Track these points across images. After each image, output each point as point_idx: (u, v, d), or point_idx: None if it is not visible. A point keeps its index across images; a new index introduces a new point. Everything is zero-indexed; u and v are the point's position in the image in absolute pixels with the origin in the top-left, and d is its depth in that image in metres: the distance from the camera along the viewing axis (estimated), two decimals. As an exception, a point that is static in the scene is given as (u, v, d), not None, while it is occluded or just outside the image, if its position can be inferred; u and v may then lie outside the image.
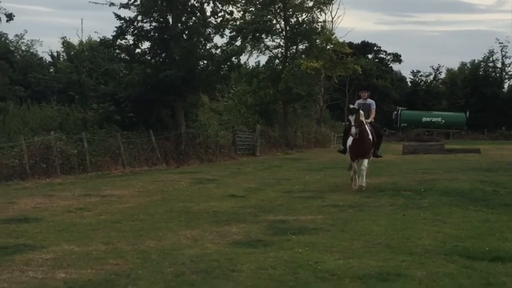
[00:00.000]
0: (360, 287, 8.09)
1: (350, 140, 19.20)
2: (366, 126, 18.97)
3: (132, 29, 35.07)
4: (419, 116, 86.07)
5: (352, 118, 18.51)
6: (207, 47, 37.42)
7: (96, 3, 34.79)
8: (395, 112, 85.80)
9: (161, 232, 12.13)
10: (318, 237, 11.39)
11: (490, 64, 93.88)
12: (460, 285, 8.15)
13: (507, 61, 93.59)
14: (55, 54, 53.18)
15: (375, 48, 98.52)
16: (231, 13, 38.03)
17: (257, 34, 48.43)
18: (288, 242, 10.98)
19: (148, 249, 10.44)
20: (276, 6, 52.39)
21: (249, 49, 51.08)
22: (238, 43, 39.41)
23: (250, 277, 8.57)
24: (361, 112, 18.80)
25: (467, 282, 8.30)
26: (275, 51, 54.31)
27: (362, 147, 18.94)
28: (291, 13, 53.09)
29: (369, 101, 20.13)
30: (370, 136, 19.16)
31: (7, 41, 58.00)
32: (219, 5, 36.92)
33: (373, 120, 19.96)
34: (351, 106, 19.39)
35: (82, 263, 9.47)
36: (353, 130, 18.39)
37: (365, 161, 19.00)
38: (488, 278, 8.45)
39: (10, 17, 35.27)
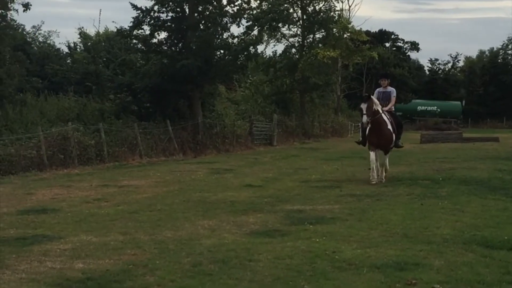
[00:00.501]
0: (378, 276, 8.07)
1: (368, 131, 18.19)
2: (383, 115, 17.91)
3: (148, 19, 35.14)
4: (414, 104, 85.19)
5: (363, 106, 17.49)
6: (224, 37, 37.45)
7: (113, -7, 35.00)
8: None
9: (179, 222, 12.15)
10: (336, 227, 11.38)
11: (510, 52, 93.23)
12: (479, 274, 8.11)
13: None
14: (72, 45, 53.42)
15: (392, 36, 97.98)
16: (248, 2, 37.94)
17: (274, 23, 48.26)
18: (305, 231, 10.96)
19: (165, 239, 10.46)
20: (293, -5, 52.30)
21: (266, 38, 51.01)
22: (255, 32, 39.30)
23: (267, 267, 8.56)
24: (375, 100, 17.84)
25: (486, 271, 8.25)
26: (292, 40, 54.36)
27: (382, 138, 17.98)
28: (308, 1, 52.97)
29: (389, 89, 18.98)
30: (390, 126, 18.04)
31: (24, 33, 58.09)
32: (236, -6, 36.88)
33: (392, 108, 18.98)
34: (365, 94, 18.28)
35: (100, 254, 9.50)
36: (364, 118, 17.49)
37: (387, 156, 18.45)
38: (507, 267, 8.40)
39: (26, 6, 35.24)
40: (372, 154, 18.04)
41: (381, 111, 17.82)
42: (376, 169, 18.19)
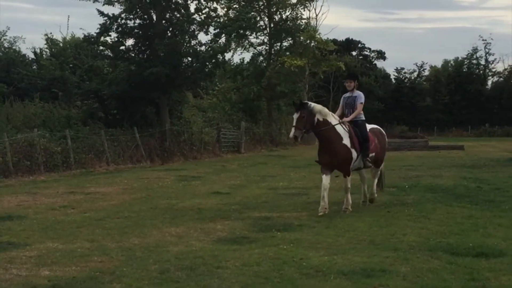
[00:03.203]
0: (345, 283, 8.10)
1: (318, 148, 14.64)
2: (338, 126, 14.06)
3: (116, 26, 35.03)
4: None
5: (295, 117, 13.88)
6: (192, 44, 37.47)
7: (80, -1, 35.04)
8: None
9: (146, 229, 12.11)
10: (303, 234, 11.42)
11: (474, 61, 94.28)
12: (444, 280, 8.18)
13: (490, 58, 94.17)
14: (38, 51, 52.98)
15: (359, 45, 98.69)
16: (215, 9, 38.07)
17: (241, 31, 48.46)
18: (273, 238, 10.99)
19: (132, 246, 10.42)
20: (260, 3, 52.49)
21: (233, 46, 51.10)
22: (222, 40, 39.42)
23: (235, 274, 8.57)
24: (318, 107, 14.03)
25: (451, 277, 8.33)
26: (259, 48, 54.51)
27: (334, 156, 13.97)
28: (274, 10, 53.18)
29: (356, 93, 14.79)
30: (346, 141, 14.01)
31: (-11, 38, 57.53)
32: (203, 2, 36.97)
33: (362, 116, 14.69)
34: (296, 100, 14.85)
35: (67, 261, 9.44)
36: (291, 132, 13.83)
37: (347, 180, 14.27)
38: (471, 274, 8.48)
39: (-7, 14, 35.13)
40: (325, 179, 14.08)
41: (334, 121, 14.10)
42: (325, 193, 14.12)
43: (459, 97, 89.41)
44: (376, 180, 15.76)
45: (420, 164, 28.31)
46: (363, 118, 14.77)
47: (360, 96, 14.81)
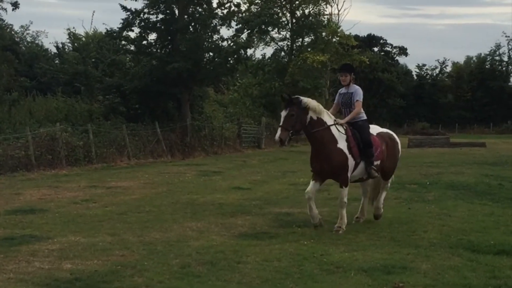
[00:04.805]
0: (365, 279, 8.11)
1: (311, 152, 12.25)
2: (334, 128, 11.82)
3: (138, 21, 35.16)
4: None
5: (282, 115, 11.57)
6: (214, 39, 37.50)
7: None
8: None
9: (167, 223, 12.17)
10: (324, 230, 11.43)
11: (497, 58, 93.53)
12: (465, 278, 8.17)
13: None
14: (60, 45, 53.24)
15: (381, 41, 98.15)
16: (238, 5, 38.12)
17: (263, 27, 48.41)
18: (293, 234, 11.02)
19: (154, 241, 10.48)
20: (282, -2, 52.40)
21: (256, 41, 51.06)
22: (245, 35, 39.43)
23: (255, 269, 8.60)
24: (312, 104, 11.72)
25: (472, 275, 8.32)
26: (281, 43, 54.39)
27: (326, 162, 11.76)
28: (297, 5, 53.06)
29: (353, 89, 12.36)
30: (342, 144, 11.74)
31: (13, 32, 57.85)
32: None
33: (363, 116, 12.36)
34: (283, 95, 11.85)
35: (88, 254, 9.51)
36: (277, 134, 11.52)
37: (344, 191, 11.93)
38: (493, 271, 8.47)
39: (15, 5, 35.43)
40: (310, 185, 12.19)
41: (330, 121, 11.87)
42: (311, 203, 12.00)
43: (481, 94, 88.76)
44: (384, 193, 13.16)
45: (441, 161, 28.19)
46: (364, 118, 12.45)
47: (357, 92, 12.33)
